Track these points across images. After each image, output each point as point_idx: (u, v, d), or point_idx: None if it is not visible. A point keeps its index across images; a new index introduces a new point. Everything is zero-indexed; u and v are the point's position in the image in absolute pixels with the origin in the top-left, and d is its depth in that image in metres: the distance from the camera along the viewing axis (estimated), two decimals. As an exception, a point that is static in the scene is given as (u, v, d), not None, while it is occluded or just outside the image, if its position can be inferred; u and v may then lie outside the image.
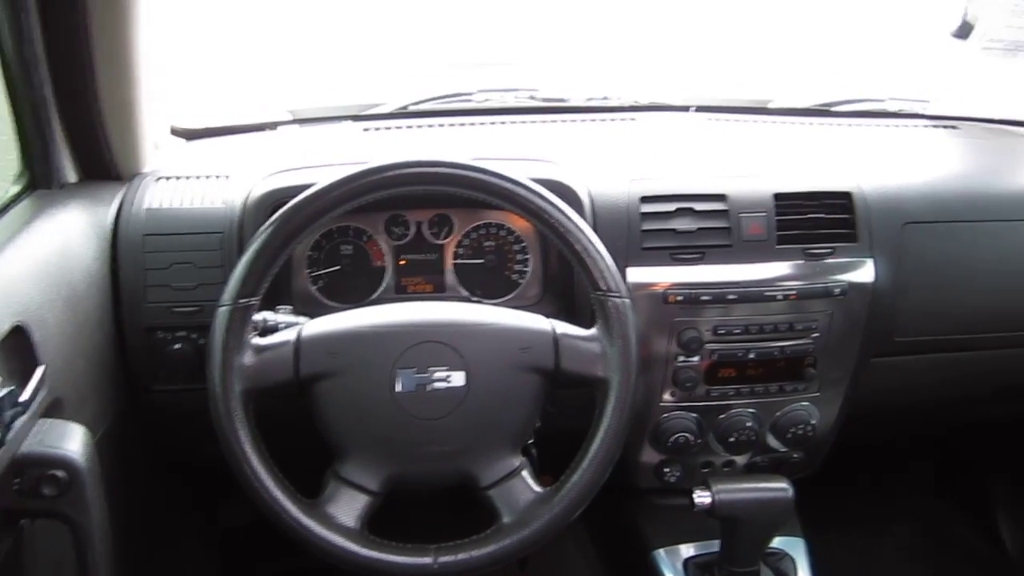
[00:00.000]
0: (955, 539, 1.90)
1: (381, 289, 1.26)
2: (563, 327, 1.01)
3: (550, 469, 1.03)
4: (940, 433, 1.91)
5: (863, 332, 1.25)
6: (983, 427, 1.76)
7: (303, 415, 0.99)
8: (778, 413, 1.28)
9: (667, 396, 1.24)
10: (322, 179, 0.97)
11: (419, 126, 1.43)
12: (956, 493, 1.96)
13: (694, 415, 1.26)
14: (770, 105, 1.60)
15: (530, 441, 1.14)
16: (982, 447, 1.89)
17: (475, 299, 1.25)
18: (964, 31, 1.53)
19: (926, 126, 1.55)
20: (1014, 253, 1.29)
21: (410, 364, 0.96)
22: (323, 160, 1.19)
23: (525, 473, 1.01)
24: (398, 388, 0.96)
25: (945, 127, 1.55)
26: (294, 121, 1.47)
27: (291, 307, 1.08)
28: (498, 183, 0.99)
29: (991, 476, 1.88)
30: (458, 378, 0.96)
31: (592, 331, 1.00)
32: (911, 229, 1.25)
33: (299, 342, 0.97)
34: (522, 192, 0.99)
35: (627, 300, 0.99)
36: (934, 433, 1.92)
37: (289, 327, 1.01)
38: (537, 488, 1.00)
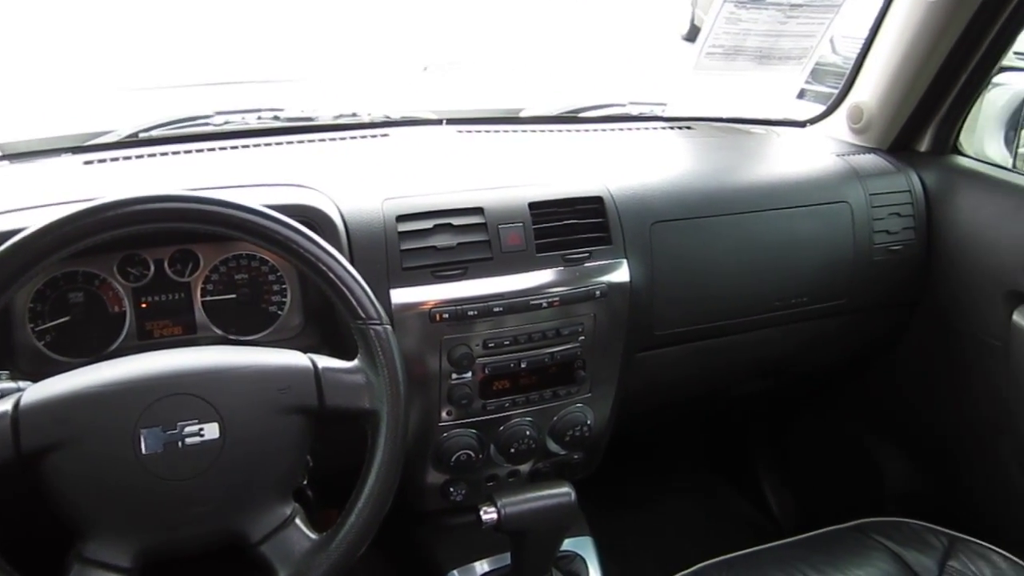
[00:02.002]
0: (728, 508, 2.04)
1: (121, 338, 1.14)
2: (325, 361, 0.95)
3: (337, 502, 0.97)
4: (708, 413, 2.04)
5: (626, 330, 1.29)
6: (743, 402, 1.90)
7: (30, 495, 0.86)
8: (555, 418, 1.29)
9: (444, 415, 1.22)
10: (32, 224, 0.85)
11: (151, 155, 1.31)
12: (726, 466, 2.11)
13: (473, 431, 1.25)
14: (521, 114, 1.63)
15: (304, 483, 1.07)
16: (744, 421, 2.05)
17: (232, 337, 1.16)
18: (693, 35, 1.63)
19: (664, 128, 1.64)
20: (750, 243, 1.39)
21: (155, 422, 0.86)
22: (36, 200, 1.06)
23: (299, 521, 0.94)
24: (143, 450, 0.85)
25: (681, 128, 1.65)
26: (3, 157, 1.30)
27: (7, 372, 0.94)
28: (235, 214, 0.91)
29: (754, 446, 2.04)
30: (211, 430, 0.88)
31: (355, 362, 0.96)
32: (659, 228, 1.31)
33: (18, 412, 0.84)
34: (262, 222, 0.92)
35: (388, 327, 0.95)
36: (702, 414, 2.05)
37: (4, 396, 0.87)
38: (313, 535, 0.93)
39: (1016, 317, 1.39)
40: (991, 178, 1.51)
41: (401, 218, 1.17)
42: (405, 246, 1.16)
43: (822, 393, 1.86)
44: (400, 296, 1.14)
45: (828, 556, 1.27)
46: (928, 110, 1.56)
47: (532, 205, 1.22)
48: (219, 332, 1.16)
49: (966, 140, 1.60)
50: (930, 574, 1.24)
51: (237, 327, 1.17)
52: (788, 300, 1.43)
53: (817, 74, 1.77)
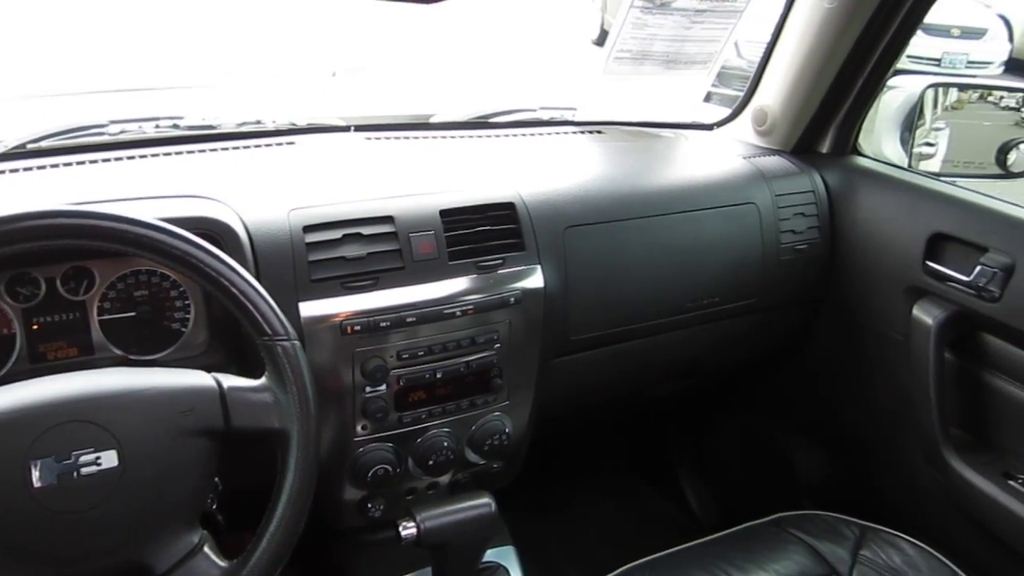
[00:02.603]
0: (650, 508, 2.06)
1: (11, 362, 1.06)
2: (230, 380, 0.91)
3: (251, 523, 0.93)
4: (626, 414, 2.06)
5: (541, 336, 1.28)
6: (660, 402, 1.92)
7: None
8: (473, 427, 1.28)
9: (359, 429, 1.19)
10: None
11: (40, 167, 1.24)
12: (647, 466, 2.13)
13: (390, 444, 1.22)
14: (431, 120, 1.61)
15: (213, 507, 1.03)
16: (662, 421, 2.07)
17: (133, 357, 1.11)
18: (603, 39, 1.64)
19: (575, 132, 1.65)
20: (662, 245, 1.40)
21: (47, 452, 0.81)
22: None
23: (207, 548, 0.90)
24: (36, 483, 0.80)
25: (591, 132, 1.66)
26: None
27: None
28: (129, 229, 0.87)
29: (672, 446, 2.07)
30: (109, 458, 0.83)
31: (262, 380, 0.92)
32: (572, 233, 1.31)
33: None
34: (158, 237, 0.88)
35: (296, 342, 0.92)
36: (621, 415, 2.06)
37: None
38: (222, 563, 0.89)
39: (916, 311, 1.44)
40: (889, 177, 1.56)
41: (308, 228, 1.13)
42: (313, 257, 1.12)
43: (736, 391, 1.90)
44: (309, 309, 1.11)
45: (747, 552, 1.29)
46: (828, 112, 1.60)
47: (443, 212, 1.21)
48: (118, 352, 1.11)
49: (865, 141, 1.65)
50: (844, 564, 1.28)
51: (138, 346, 1.12)
52: (700, 301, 1.45)
53: (723, 77, 1.81)
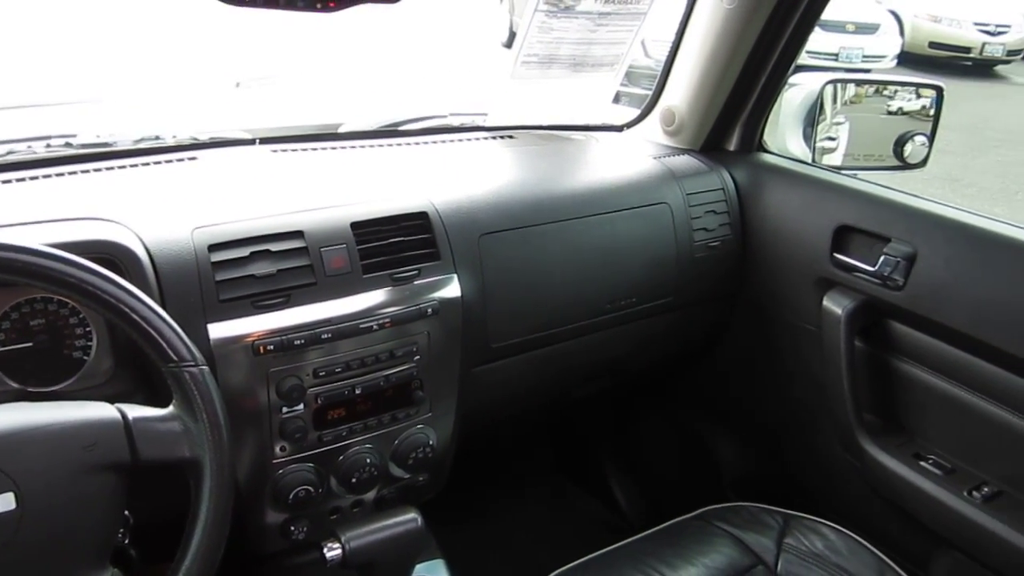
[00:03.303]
0: (579, 510, 2.07)
1: None
2: (136, 410, 0.87)
3: (168, 555, 0.89)
4: (552, 417, 2.06)
5: (461, 346, 1.27)
6: (585, 404, 1.93)
7: None
8: (396, 442, 1.25)
9: (278, 451, 1.15)
10: None
11: None
12: (574, 467, 2.14)
13: (311, 464, 1.19)
14: (340, 130, 1.58)
15: (125, 541, 0.98)
16: (588, 421, 2.08)
17: (32, 390, 1.05)
18: (511, 42, 1.64)
19: (486, 138, 1.64)
20: (578, 249, 1.40)
21: None
22: None
23: None
24: None
25: (503, 137, 1.65)
26: None
27: None
28: (16, 258, 0.82)
29: (598, 445, 2.08)
30: (6, 501, 0.78)
31: (170, 409, 0.88)
32: (487, 240, 1.30)
33: None
34: (48, 264, 0.83)
35: (204, 368, 0.88)
36: (547, 419, 2.06)
37: None
38: None
39: (826, 302, 1.48)
40: (794, 173, 1.60)
41: (214, 247, 1.09)
42: (220, 277, 1.08)
43: (659, 388, 1.92)
44: (219, 331, 1.07)
45: (676, 548, 1.30)
46: (734, 111, 1.64)
47: (355, 225, 1.18)
48: (15, 385, 1.05)
49: (770, 138, 1.69)
50: (769, 553, 1.30)
51: (37, 378, 1.06)
52: (618, 302, 1.46)
53: (633, 77, 1.82)
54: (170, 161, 1.34)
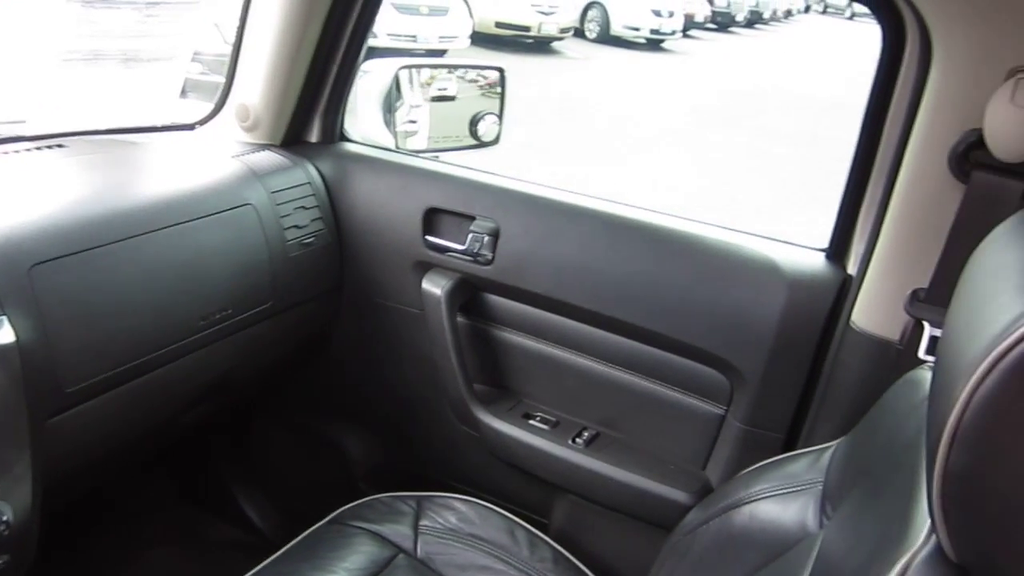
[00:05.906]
0: (214, 539, 1.92)
1: None
2: None
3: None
4: (166, 445, 1.88)
5: (27, 397, 1.08)
6: (198, 425, 1.78)
7: None
8: None
9: None
10: None
11: None
12: (200, 493, 1.98)
13: None
14: None
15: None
16: (205, 441, 1.93)
17: None
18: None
19: (29, 149, 1.40)
20: (157, 266, 1.26)
21: None
22: None
23: None
24: None
25: (51, 147, 1.43)
26: None
27: None
28: None
29: (219, 464, 1.94)
30: None
31: None
32: (41, 271, 1.11)
33: None
34: None
35: None
36: (160, 447, 1.87)
37: None
38: None
39: (425, 284, 1.52)
40: (378, 160, 1.61)
41: None
42: None
43: (277, 394, 1.84)
44: None
45: (314, 560, 1.25)
46: (310, 102, 1.60)
47: None
48: None
49: (352, 127, 1.68)
50: (408, 540, 1.31)
51: None
52: (212, 317, 1.35)
53: (212, 65, 1.70)
54: None
